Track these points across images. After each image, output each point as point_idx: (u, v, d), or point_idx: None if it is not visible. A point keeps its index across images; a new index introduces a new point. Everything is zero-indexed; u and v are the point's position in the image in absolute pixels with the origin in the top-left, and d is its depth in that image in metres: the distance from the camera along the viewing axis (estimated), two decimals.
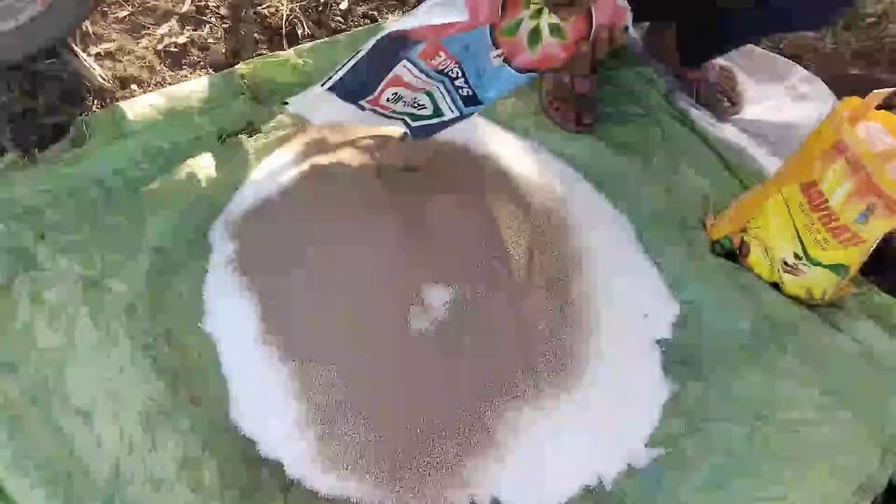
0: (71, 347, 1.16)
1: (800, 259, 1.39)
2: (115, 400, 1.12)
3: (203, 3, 1.73)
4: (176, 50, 1.64)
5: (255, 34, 1.72)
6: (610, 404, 1.27)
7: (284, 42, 1.71)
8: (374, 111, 1.23)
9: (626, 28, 1.15)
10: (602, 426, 1.25)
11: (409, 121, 1.30)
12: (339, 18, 1.81)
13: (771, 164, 1.68)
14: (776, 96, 1.85)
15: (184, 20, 1.69)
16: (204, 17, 1.71)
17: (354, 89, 1.13)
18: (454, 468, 1.15)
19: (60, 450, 1.08)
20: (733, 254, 1.51)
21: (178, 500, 1.07)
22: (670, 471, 1.23)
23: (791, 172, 1.38)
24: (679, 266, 1.48)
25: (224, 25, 1.72)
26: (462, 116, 1.28)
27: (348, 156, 1.40)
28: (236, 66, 1.54)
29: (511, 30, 1.12)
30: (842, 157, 1.29)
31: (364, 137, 1.45)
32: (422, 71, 1.14)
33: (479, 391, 1.21)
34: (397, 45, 1.07)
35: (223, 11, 1.74)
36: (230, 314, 1.25)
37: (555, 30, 1.13)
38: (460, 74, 1.19)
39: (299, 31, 1.74)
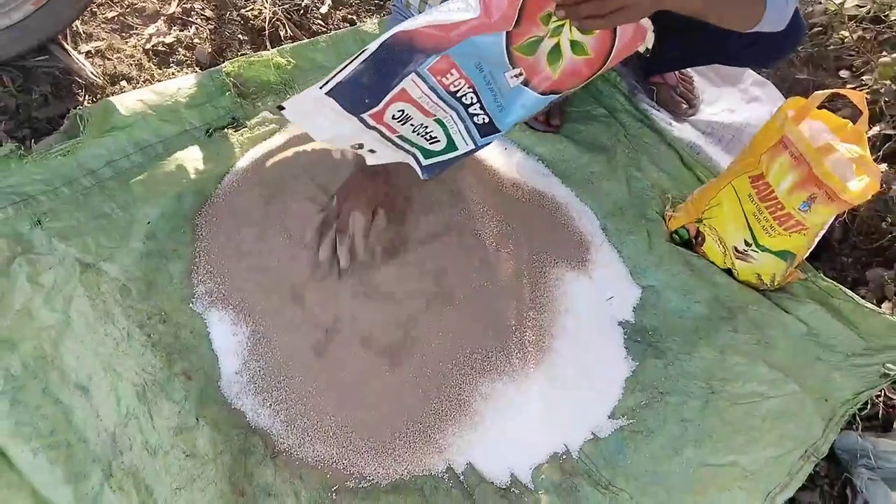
0: (68, 325, 1.22)
1: (749, 246, 1.49)
2: (112, 373, 1.19)
3: (189, 4, 1.80)
4: (163, 49, 1.70)
5: (239, 35, 1.79)
6: (576, 379, 1.37)
7: (267, 42, 1.79)
8: (380, 131, 1.08)
9: (647, 49, 1.06)
10: (569, 399, 1.34)
11: (419, 156, 1.16)
12: (319, 21, 1.88)
13: (725, 160, 1.79)
14: (730, 98, 1.97)
15: (171, 21, 1.75)
16: (190, 18, 1.77)
17: (356, 97, 1.00)
18: (432, 435, 1.24)
19: (60, 420, 1.15)
20: (690, 242, 1.61)
21: (173, 465, 1.13)
22: (631, 439, 1.33)
23: (741, 166, 1.49)
24: (640, 254, 1.59)
25: (209, 26, 1.78)
26: (477, 148, 1.15)
27: (329, 145, 1.47)
28: (222, 65, 1.61)
29: (529, 48, 1.02)
30: (786, 151, 1.40)
31: None
32: (432, 89, 1.03)
33: (457, 365, 1.29)
34: (404, 53, 0.97)
35: (209, 13, 1.80)
36: (216, 296, 1.32)
37: (577, 46, 1.02)
38: (475, 100, 1.07)
39: (281, 33, 1.81)
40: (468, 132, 1.12)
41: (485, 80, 1.04)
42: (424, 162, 1.16)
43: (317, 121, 1.03)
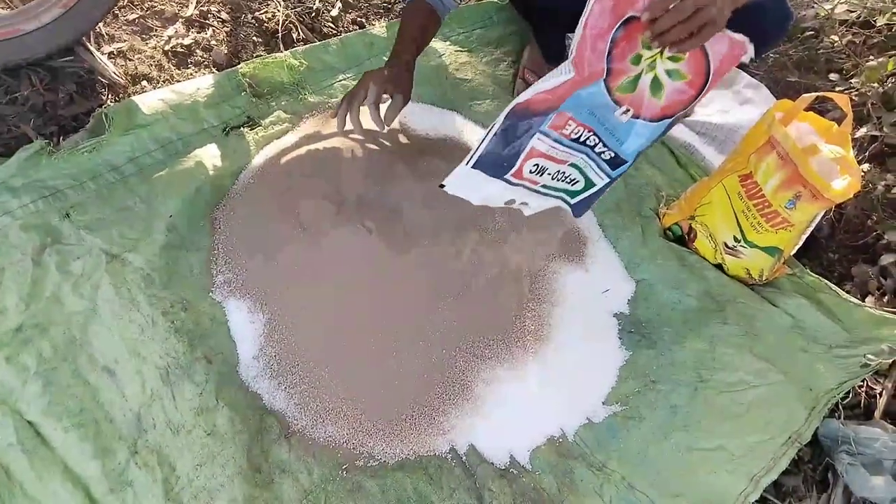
0: (95, 311, 1.30)
1: (738, 242, 1.57)
2: (137, 357, 1.27)
3: (206, 7, 1.87)
4: (182, 50, 1.78)
5: (254, 37, 1.87)
6: (573, 367, 1.44)
7: (280, 44, 1.86)
8: (525, 186, 1.25)
9: (751, 59, 1.16)
10: (565, 386, 1.42)
11: (567, 198, 1.34)
12: (330, 24, 1.96)
13: (717, 160, 1.86)
14: (724, 100, 2.03)
15: (188, 23, 1.83)
16: (207, 21, 1.85)
17: (497, 164, 1.17)
18: (436, 418, 1.32)
19: (89, 400, 1.23)
20: (682, 238, 1.69)
21: (194, 443, 1.21)
22: (623, 425, 1.40)
23: (731, 165, 1.56)
24: (634, 249, 1.66)
25: (225, 29, 1.86)
26: (612, 180, 1.32)
27: (339, 144, 1.55)
28: (238, 66, 1.68)
29: (627, 87, 1.15)
30: (773, 151, 1.47)
31: (353, 130, 1.60)
32: (556, 141, 1.18)
33: (460, 352, 1.37)
34: (525, 119, 1.12)
35: (224, 16, 1.88)
36: (233, 285, 1.40)
37: (673, 74, 1.15)
38: (597, 141, 1.23)
39: (294, 35, 1.89)
40: (600, 168, 1.29)
41: (600, 123, 1.20)
42: (572, 202, 1.36)
43: (470, 188, 1.19)
